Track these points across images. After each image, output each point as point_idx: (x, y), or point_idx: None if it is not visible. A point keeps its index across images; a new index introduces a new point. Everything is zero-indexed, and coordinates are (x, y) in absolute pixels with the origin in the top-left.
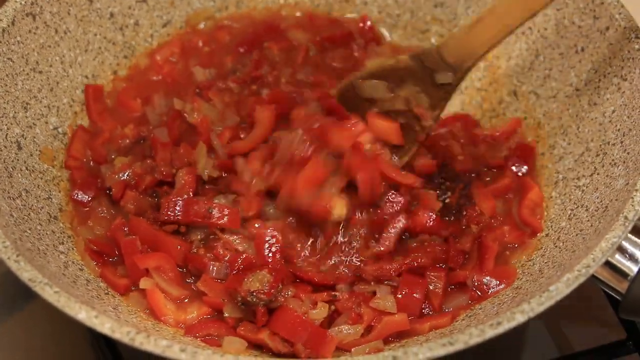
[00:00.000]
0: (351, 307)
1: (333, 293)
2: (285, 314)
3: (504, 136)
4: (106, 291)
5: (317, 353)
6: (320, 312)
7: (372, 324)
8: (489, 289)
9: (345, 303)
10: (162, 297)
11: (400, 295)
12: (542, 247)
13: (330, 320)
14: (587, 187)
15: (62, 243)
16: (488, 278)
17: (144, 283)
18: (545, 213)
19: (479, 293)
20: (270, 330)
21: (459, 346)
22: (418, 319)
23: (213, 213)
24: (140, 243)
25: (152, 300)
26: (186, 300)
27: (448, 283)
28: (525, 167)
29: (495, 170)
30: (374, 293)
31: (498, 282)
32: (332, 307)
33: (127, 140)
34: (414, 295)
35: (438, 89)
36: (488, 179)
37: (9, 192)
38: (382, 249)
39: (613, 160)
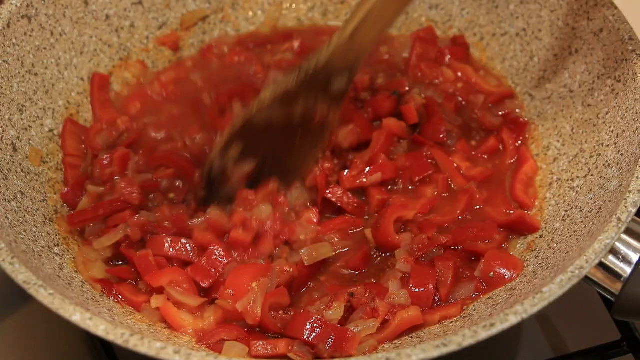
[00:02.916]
0: (366, 303)
1: (350, 291)
2: (303, 317)
3: (500, 97)
4: (101, 293)
5: (342, 352)
6: (336, 313)
7: (387, 318)
8: (499, 278)
9: (360, 299)
10: (176, 310)
11: (412, 287)
12: (536, 249)
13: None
14: (581, 188)
15: (57, 245)
16: (498, 268)
17: (155, 302)
18: (540, 214)
19: (484, 285)
20: (288, 336)
21: (452, 347)
22: (428, 310)
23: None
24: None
25: (167, 315)
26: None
27: (463, 263)
28: (520, 140)
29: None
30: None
31: (506, 270)
32: (348, 304)
33: (115, 134)
34: (426, 286)
35: (332, 93)
36: (473, 142)
37: (4, 194)
38: None
39: (607, 161)
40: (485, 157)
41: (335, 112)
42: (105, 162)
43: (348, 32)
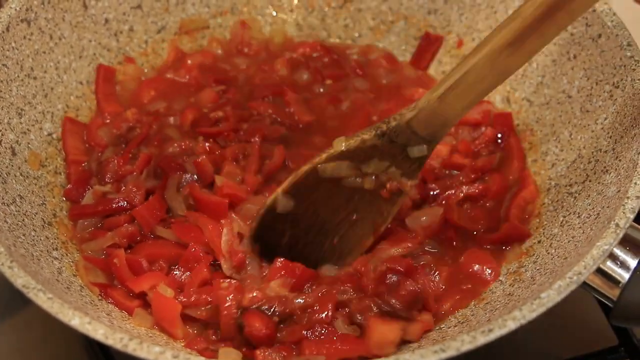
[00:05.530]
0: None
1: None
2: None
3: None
4: (99, 297)
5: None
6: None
7: None
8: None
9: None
10: (179, 306)
11: None
12: (534, 254)
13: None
14: (579, 194)
15: (56, 249)
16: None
17: (163, 289)
18: (538, 220)
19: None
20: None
21: (450, 353)
22: None
23: None
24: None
25: (170, 309)
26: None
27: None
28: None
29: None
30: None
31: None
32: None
33: (124, 126)
34: None
35: (410, 160)
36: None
37: (3, 198)
38: None
39: (605, 167)
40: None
41: (408, 184)
42: (121, 162)
43: (438, 93)
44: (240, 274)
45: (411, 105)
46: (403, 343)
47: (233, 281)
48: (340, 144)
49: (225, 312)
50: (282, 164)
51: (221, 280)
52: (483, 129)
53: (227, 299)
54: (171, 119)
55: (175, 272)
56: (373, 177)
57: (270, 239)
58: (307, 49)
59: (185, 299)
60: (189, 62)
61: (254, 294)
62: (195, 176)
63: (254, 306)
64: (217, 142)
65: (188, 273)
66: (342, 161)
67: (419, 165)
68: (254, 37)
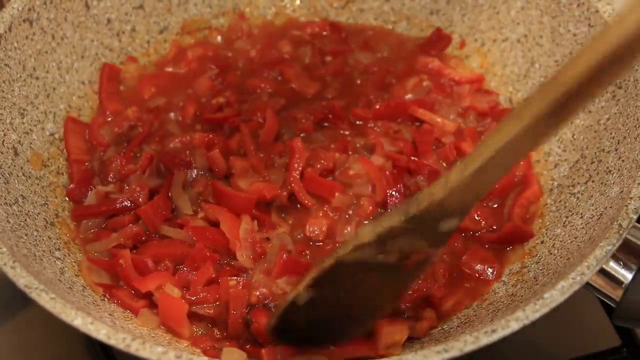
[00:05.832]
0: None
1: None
2: None
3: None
4: (102, 297)
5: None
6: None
7: None
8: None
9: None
10: (185, 305)
11: None
12: (537, 254)
13: None
14: (581, 194)
15: (59, 249)
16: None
17: (170, 289)
18: (540, 220)
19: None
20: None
21: (453, 353)
22: None
23: None
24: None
25: (177, 308)
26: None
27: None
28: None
29: None
30: None
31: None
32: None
33: (125, 125)
34: None
35: (437, 233)
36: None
37: (5, 198)
38: None
39: (608, 167)
40: None
41: (434, 253)
42: (123, 161)
43: (472, 169)
44: (256, 265)
45: (441, 181)
46: (407, 339)
47: (240, 279)
48: (366, 236)
49: (234, 309)
50: (276, 127)
51: (229, 278)
52: (489, 121)
53: (236, 296)
54: (172, 115)
55: (181, 271)
56: (399, 253)
57: (288, 323)
58: (315, 28)
59: (193, 297)
60: (190, 54)
61: (262, 291)
62: (202, 172)
63: (261, 303)
64: (223, 130)
65: (194, 272)
66: (371, 244)
67: (446, 236)
68: (254, 25)
